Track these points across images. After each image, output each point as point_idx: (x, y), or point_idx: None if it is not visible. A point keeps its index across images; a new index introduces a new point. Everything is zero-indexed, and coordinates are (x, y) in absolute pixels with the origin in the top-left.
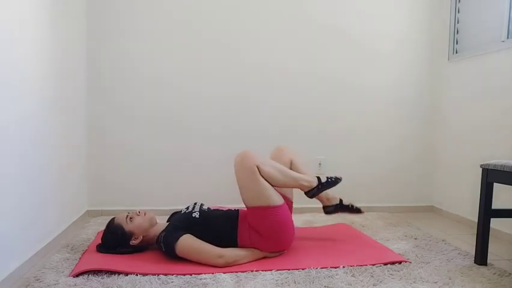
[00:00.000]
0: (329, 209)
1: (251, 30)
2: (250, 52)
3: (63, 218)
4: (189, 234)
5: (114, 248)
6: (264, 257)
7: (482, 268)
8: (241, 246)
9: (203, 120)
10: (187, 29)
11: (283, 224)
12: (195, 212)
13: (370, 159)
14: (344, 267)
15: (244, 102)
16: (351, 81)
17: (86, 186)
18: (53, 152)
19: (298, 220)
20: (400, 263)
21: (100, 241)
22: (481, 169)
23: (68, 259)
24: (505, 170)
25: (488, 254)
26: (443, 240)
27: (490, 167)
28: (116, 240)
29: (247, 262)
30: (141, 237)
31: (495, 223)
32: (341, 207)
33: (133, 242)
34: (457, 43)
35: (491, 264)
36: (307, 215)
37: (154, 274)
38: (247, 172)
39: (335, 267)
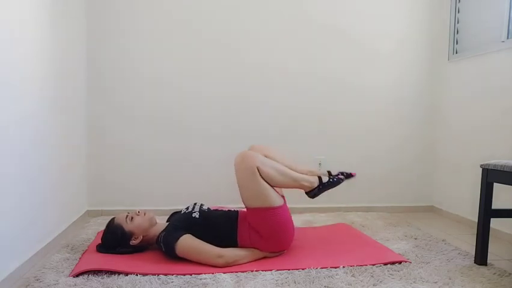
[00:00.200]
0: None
1: (251, 30)
2: (250, 52)
3: (63, 218)
4: (189, 234)
5: (114, 248)
6: (264, 257)
7: (482, 268)
8: (241, 246)
9: (203, 120)
10: (187, 29)
11: (283, 224)
12: (194, 212)
13: (370, 159)
14: (344, 267)
15: (244, 102)
16: (351, 81)
17: (86, 186)
18: (53, 152)
19: (298, 220)
20: (400, 263)
21: (100, 241)
22: (481, 169)
23: (68, 259)
24: (505, 170)
25: (488, 254)
26: (443, 240)
27: (490, 167)
28: (116, 240)
29: (247, 262)
30: (141, 237)
31: (495, 223)
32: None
33: (133, 242)
34: (457, 43)
35: (491, 264)
36: (307, 215)
37: (154, 274)
38: (247, 173)
39: (335, 267)
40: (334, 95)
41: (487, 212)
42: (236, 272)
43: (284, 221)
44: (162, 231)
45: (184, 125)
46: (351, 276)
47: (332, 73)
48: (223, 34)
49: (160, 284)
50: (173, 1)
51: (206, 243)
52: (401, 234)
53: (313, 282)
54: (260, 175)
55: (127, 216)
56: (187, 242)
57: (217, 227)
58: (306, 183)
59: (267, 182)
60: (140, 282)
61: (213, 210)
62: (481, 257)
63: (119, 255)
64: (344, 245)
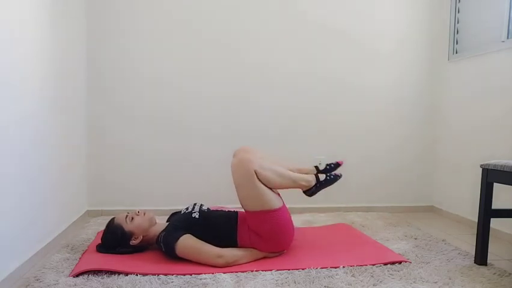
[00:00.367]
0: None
1: (251, 30)
2: (250, 52)
3: (63, 218)
4: (189, 234)
5: (114, 248)
6: (264, 257)
7: (482, 268)
8: (241, 247)
9: (203, 120)
10: (187, 29)
11: (283, 226)
12: (194, 212)
13: (370, 159)
14: (344, 267)
15: (244, 102)
16: (351, 81)
17: (86, 186)
18: (53, 152)
19: (298, 220)
20: (400, 263)
21: (100, 241)
22: (481, 169)
23: (68, 259)
24: (505, 170)
25: (488, 254)
26: (443, 240)
27: (490, 167)
28: (116, 240)
29: (247, 262)
30: (141, 237)
31: (495, 223)
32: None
33: (133, 242)
34: (457, 43)
35: (491, 264)
36: (307, 215)
37: (154, 274)
38: (244, 177)
39: (335, 267)
40: (334, 95)
41: (487, 212)
42: (236, 272)
43: (284, 222)
44: (162, 231)
45: (184, 125)
46: (351, 276)
47: (332, 73)
48: (223, 34)
49: (160, 284)
50: (173, 1)
51: (206, 243)
52: (401, 234)
53: (313, 282)
54: (258, 178)
55: (126, 216)
56: (187, 242)
57: (217, 227)
58: (303, 183)
59: (265, 185)
60: (140, 282)
61: (213, 210)
62: (481, 257)
63: (119, 255)
64: (344, 245)
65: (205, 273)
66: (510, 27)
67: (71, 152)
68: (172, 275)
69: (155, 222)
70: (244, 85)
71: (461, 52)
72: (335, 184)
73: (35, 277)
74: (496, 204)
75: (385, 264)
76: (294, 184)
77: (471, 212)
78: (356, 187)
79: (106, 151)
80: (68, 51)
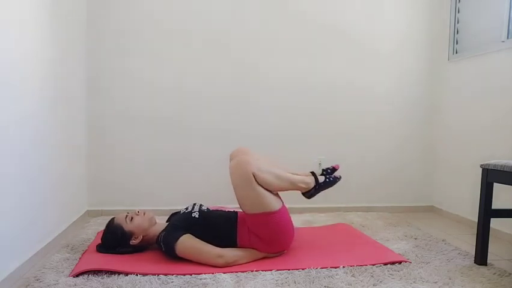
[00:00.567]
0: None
1: (251, 30)
2: (250, 52)
3: (63, 218)
4: (189, 234)
5: (114, 248)
6: (264, 257)
7: (482, 268)
8: (241, 247)
9: (203, 120)
10: (187, 29)
11: (283, 227)
12: (194, 212)
13: (370, 159)
14: (344, 267)
15: (244, 102)
16: (351, 81)
17: (86, 186)
18: (53, 152)
19: (298, 220)
20: (400, 263)
21: (99, 241)
22: (481, 169)
23: (68, 259)
24: (505, 170)
25: (488, 254)
26: (443, 240)
27: (490, 167)
28: (116, 240)
29: (247, 262)
30: (141, 237)
31: (495, 223)
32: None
33: (133, 241)
34: (457, 43)
35: (491, 264)
36: (306, 215)
37: (154, 274)
38: (243, 180)
39: (335, 267)
40: (334, 95)
41: (487, 212)
42: (236, 272)
43: (284, 223)
44: (162, 231)
45: (184, 125)
46: (351, 276)
47: (332, 73)
48: (223, 34)
49: (160, 284)
50: (173, 1)
51: (206, 243)
52: (401, 234)
53: (313, 282)
54: (256, 181)
55: (126, 216)
56: (187, 242)
57: (217, 227)
58: (302, 185)
59: (264, 187)
60: (140, 282)
61: (213, 210)
62: (481, 257)
63: (119, 255)
64: (344, 245)
65: (205, 273)
66: (510, 27)
67: (71, 152)
68: (172, 275)
69: (155, 222)
70: (244, 85)
71: (461, 52)
72: (335, 184)
73: (35, 277)
74: (496, 204)
75: (385, 264)
76: (292, 186)
77: (471, 212)
78: (356, 187)
79: (106, 151)
80: (68, 51)
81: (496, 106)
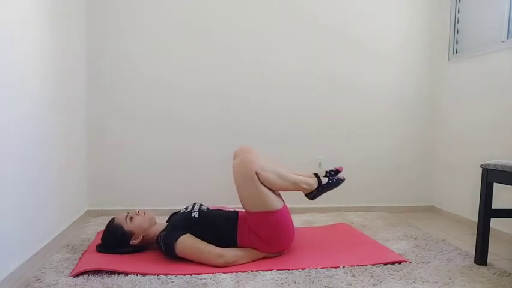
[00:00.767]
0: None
1: (251, 30)
2: (250, 52)
3: (63, 218)
4: (189, 234)
5: (114, 248)
6: (264, 257)
7: (482, 268)
8: (241, 247)
9: (203, 120)
10: (187, 29)
11: (283, 226)
12: (194, 211)
13: (370, 159)
14: (344, 267)
15: (244, 102)
16: (351, 81)
17: (86, 186)
18: (53, 152)
19: (298, 220)
20: (400, 263)
21: (100, 241)
22: (481, 169)
23: (68, 259)
24: (505, 170)
25: (488, 254)
26: (443, 240)
27: (490, 167)
28: (116, 240)
29: (247, 262)
30: (141, 237)
31: (495, 223)
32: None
33: (133, 241)
34: (457, 43)
35: (491, 264)
36: (307, 215)
37: (154, 274)
38: (245, 179)
39: (335, 267)
40: (334, 95)
41: (487, 212)
42: (236, 272)
43: (284, 223)
44: (162, 231)
45: (184, 125)
46: (351, 276)
47: (332, 73)
48: (223, 34)
49: (160, 284)
50: (173, 1)
51: (206, 243)
52: (401, 234)
53: (313, 282)
54: (259, 180)
55: (126, 216)
56: (187, 242)
57: (217, 227)
58: (305, 186)
59: (266, 187)
60: (140, 282)
61: (213, 210)
62: (481, 257)
63: (119, 255)
64: (344, 245)
65: (205, 273)
66: (510, 27)
67: (71, 152)
68: (172, 275)
69: (155, 222)
70: (244, 85)
71: (461, 52)
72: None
73: (35, 277)
74: (496, 204)
75: (385, 264)
76: (295, 187)
77: (471, 212)
78: (356, 187)
79: (106, 151)
80: (68, 51)
81: (496, 106)
